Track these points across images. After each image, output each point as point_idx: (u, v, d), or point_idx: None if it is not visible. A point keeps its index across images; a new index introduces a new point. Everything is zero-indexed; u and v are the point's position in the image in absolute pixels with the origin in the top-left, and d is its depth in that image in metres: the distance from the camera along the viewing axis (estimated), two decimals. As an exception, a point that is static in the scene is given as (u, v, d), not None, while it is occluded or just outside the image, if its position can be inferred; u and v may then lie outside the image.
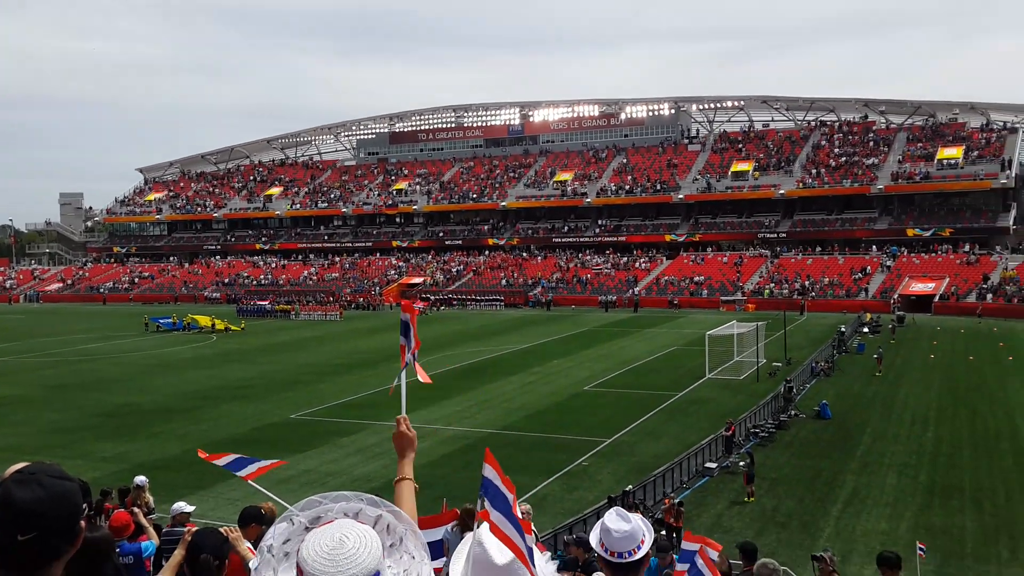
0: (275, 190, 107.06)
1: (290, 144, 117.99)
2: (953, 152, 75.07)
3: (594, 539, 3.45)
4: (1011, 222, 70.26)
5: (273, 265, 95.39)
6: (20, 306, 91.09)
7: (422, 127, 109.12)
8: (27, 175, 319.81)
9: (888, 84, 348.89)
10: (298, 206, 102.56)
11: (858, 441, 25.77)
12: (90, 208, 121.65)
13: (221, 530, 5.10)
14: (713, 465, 23.28)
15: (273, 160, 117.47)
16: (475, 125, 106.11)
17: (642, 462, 23.69)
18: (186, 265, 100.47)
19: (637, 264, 78.74)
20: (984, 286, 60.82)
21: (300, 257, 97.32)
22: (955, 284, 62.39)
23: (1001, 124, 78.73)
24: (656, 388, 34.29)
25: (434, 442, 26.11)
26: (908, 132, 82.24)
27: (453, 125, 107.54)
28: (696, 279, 72.07)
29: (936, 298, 61.19)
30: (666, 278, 73.94)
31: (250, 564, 4.73)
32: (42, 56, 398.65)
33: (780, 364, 37.66)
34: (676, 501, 18.37)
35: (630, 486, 19.97)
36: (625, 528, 3.37)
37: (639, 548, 3.37)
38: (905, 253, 69.72)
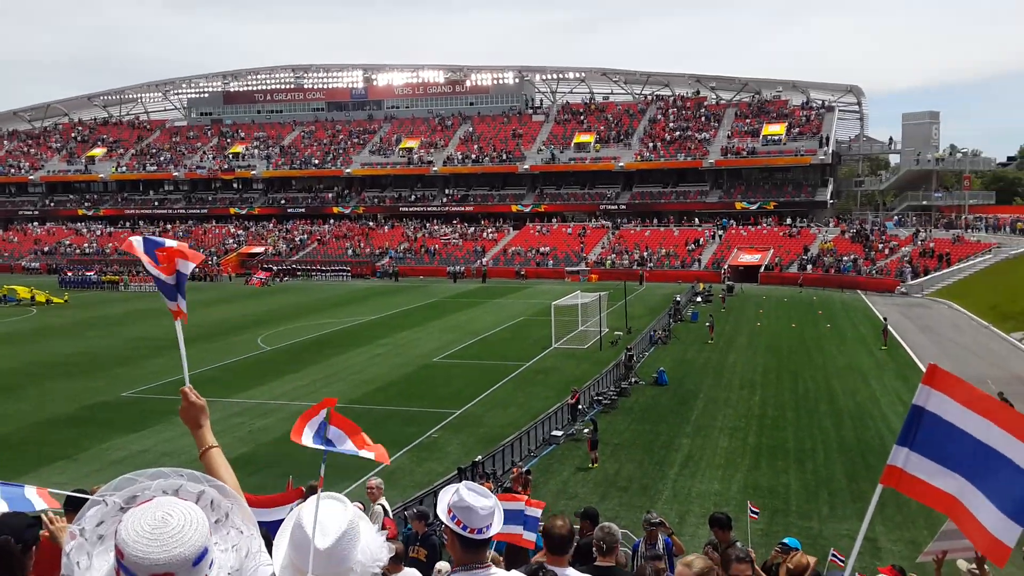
0: (98, 151, 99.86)
1: (114, 102, 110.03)
2: (777, 129, 79.94)
3: (444, 514, 3.42)
4: (828, 196, 75.87)
5: (98, 232, 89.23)
6: None
7: (259, 88, 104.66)
8: None
9: (721, 60, 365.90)
10: (124, 169, 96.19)
11: (692, 406, 27.21)
12: None
13: (42, 517, 4.69)
14: (559, 433, 23.94)
15: (95, 119, 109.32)
16: (316, 87, 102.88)
17: (491, 432, 24.02)
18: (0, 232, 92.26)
19: (484, 234, 79.28)
20: (805, 257, 65.46)
21: (128, 224, 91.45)
22: (779, 255, 66.79)
23: (820, 102, 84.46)
24: (504, 358, 34.80)
25: (279, 418, 25.40)
26: (736, 108, 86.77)
27: (293, 86, 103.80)
28: (542, 250, 73.46)
29: (762, 269, 65.30)
30: (513, 248, 74.91)
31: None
32: None
33: (621, 333, 39.09)
34: (524, 470, 18.75)
35: (479, 456, 20.21)
36: (488, 504, 3.38)
37: (493, 524, 3.41)
38: (734, 225, 73.85)
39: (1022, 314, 40.41)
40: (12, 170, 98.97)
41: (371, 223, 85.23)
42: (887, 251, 63.76)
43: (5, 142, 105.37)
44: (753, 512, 12.45)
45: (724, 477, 20.43)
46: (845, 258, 63.27)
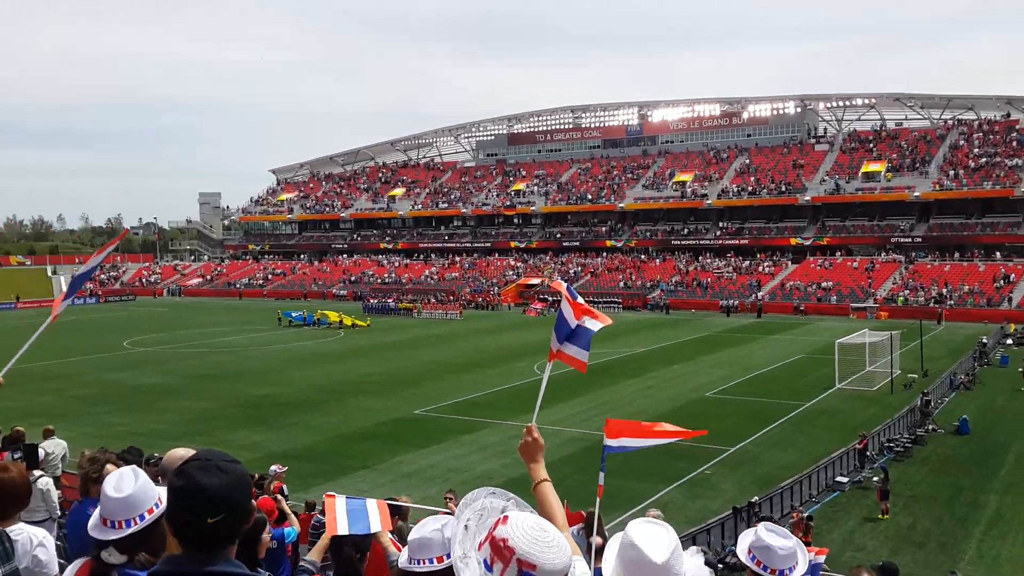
0: (398, 191, 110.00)
1: (412, 146, 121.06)
2: (1111, 151, 69.61)
3: (744, 556, 3.46)
4: None
5: (396, 264, 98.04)
6: (163, 299, 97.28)
7: (540, 128, 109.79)
8: (170, 175, 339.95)
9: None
10: (420, 206, 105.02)
11: (1002, 460, 24.35)
12: (227, 207, 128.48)
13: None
14: (844, 479, 22.51)
15: (396, 162, 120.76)
16: (593, 126, 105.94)
17: (768, 473, 23.13)
18: (315, 263, 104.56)
19: (760, 268, 76.67)
20: None
21: (421, 256, 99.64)
22: (1112, 294, 57.86)
23: None
24: (782, 397, 33.36)
25: (554, 443, 26.26)
26: (1058, 130, 76.85)
27: (571, 126, 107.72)
28: (824, 284, 69.55)
29: (1090, 309, 56.91)
30: (791, 283, 71.67)
31: (391, 556, 5.00)
32: (181, 62, 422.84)
33: (916, 376, 35.94)
34: (805, 515, 17.86)
35: (755, 497, 19.55)
36: (788, 544, 3.38)
37: (797, 565, 3.37)
38: (1055, 260, 65.16)
39: None
40: (327, 208, 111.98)
41: (643, 256, 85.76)
42: None
43: (322, 184, 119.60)
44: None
45: (1042, 542, 18.06)
46: None
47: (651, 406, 32.18)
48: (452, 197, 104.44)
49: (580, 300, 4.85)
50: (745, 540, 3.53)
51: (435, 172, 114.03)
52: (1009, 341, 48.06)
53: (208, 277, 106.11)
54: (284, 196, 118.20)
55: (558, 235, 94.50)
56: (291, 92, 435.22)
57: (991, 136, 79.86)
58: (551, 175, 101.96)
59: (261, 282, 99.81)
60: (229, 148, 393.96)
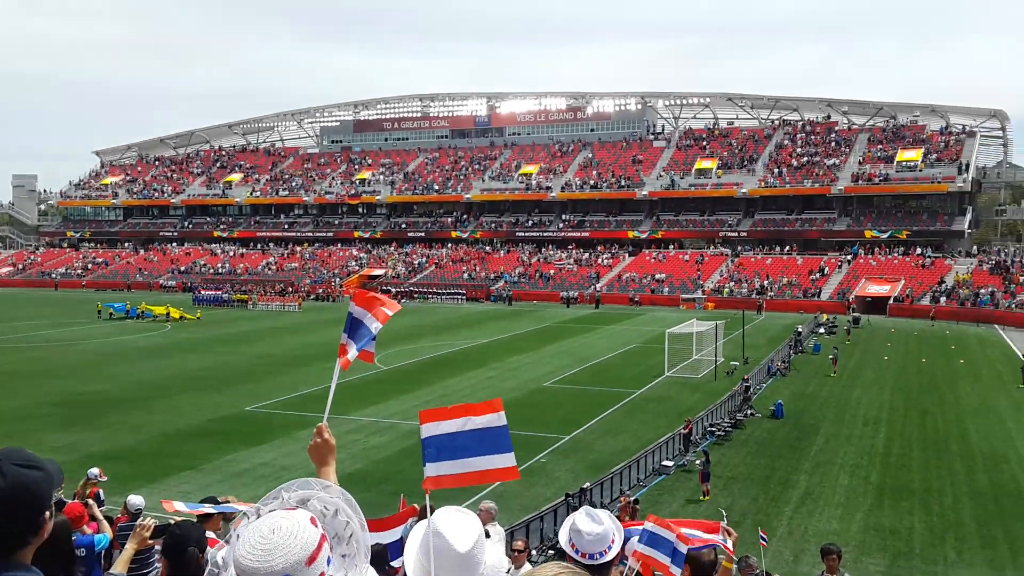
0: (235, 176, 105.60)
1: (252, 130, 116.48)
2: (912, 155, 76.38)
3: (563, 540, 3.45)
4: (966, 225, 71.76)
5: (231, 253, 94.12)
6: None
7: (387, 116, 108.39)
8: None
9: (852, 85, 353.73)
10: (259, 193, 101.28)
11: (812, 441, 26.11)
12: (44, 191, 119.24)
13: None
14: (670, 463, 23.43)
15: (234, 146, 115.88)
16: (441, 115, 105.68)
17: (600, 459, 23.75)
18: (141, 251, 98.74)
19: (600, 260, 79.03)
20: (938, 289, 62.04)
21: (259, 246, 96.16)
22: (910, 287, 63.55)
23: (960, 127, 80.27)
24: (616, 385, 34.44)
25: (392, 437, 25.96)
26: (869, 133, 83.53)
27: (419, 115, 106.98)
28: (658, 276, 72.54)
29: (891, 300, 62.28)
30: (628, 275, 74.32)
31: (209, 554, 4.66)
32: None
33: (738, 363, 38.04)
34: (632, 499, 18.42)
35: (587, 483, 20.00)
36: (597, 530, 3.38)
37: (609, 549, 3.39)
38: (862, 254, 70.83)
39: None
40: (156, 193, 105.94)
41: (488, 248, 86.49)
42: (1032, 284, 59.62)
43: (151, 168, 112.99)
44: (762, 539, 11.72)
45: (844, 516, 19.47)
46: (982, 291, 59.57)
47: (491, 397, 32.28)
48: (294, 184, 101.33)
49: (375, 294, 4.62)
50: (565, 526, 3.53)
51: (276, 158, 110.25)
52: (821, 330, 51.80)
53: (20, 266, 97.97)
54: (109, 180, 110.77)
55: (403, 225, 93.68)
56: (119, 70, 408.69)
57: (812, 136, 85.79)
58: (398, 164, 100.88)
59: (80, 272, 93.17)
60: (48, 128, 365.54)
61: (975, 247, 74.09)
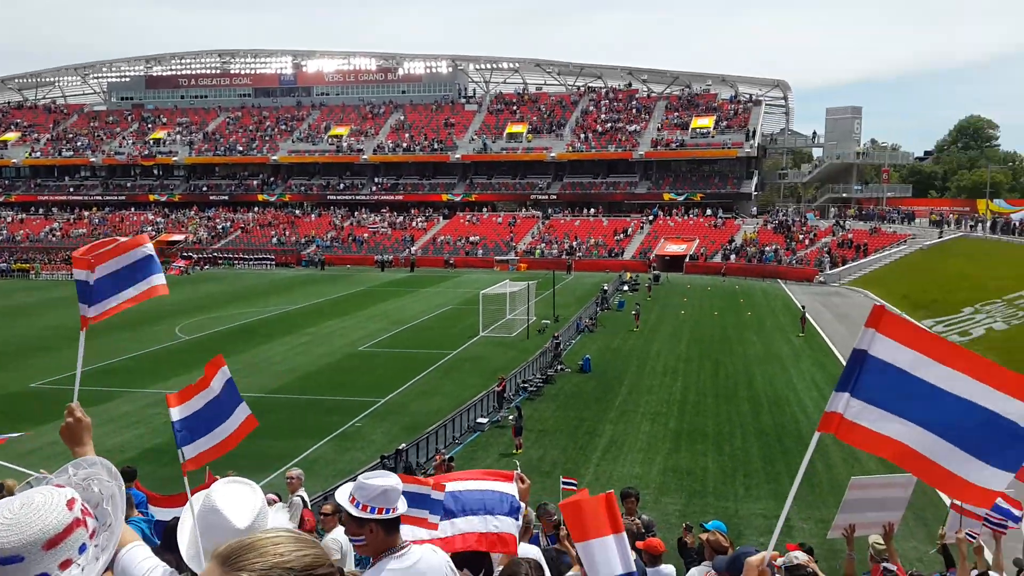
0: (11, 135, 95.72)
1: (29, 85, 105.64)
2: (705, 122, 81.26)
3: (342, 497, 3.36)
4: (753, 188, 77.57)
5: (9, 219, 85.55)
6: None
7: (183, 72, 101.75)
8: None
9: (651, 53, 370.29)
10: (39, 154, 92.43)
11: (616, 392, 27.47)
12: None
13: None
14: (484, 420, 23.89)
15: (9, 102, 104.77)
16: (243, 73, 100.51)
17: (416, 420, 23.82)
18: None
19: (414, 223, 78.70)
20: (728, 247, 66.77)
21: (41, 211, 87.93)
22: (704, 245, 67.98)
23: (748, 96, 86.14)
24: (431, 347, 34.57)
25: (197, 409, 24.70)
26: (667, 101, 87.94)
27: (219, 72, 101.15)
28: (472, 239, 73.27)
29: (687, 258, 66.38)
30: (443, 238, 74.56)
31: None
32: None
33: (548, 321, 39.24)
34: (447, 457, 18.63)
35: (403, 444, 20.02)
36: (382, 483, 3.31)
37: (396, 508, 3.32)
38: (661, 216, 74.88)
39: (933, 303, 41.97)
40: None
41: (297, 211, 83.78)
42: (807, 242, 65.49)
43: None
44: (570, 484, 12.48)
45: (645, 460, 20.67)
46: (767, 248, 64.76)
47: (305, 363, 31.62)
48: (79, 144, 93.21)
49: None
50: (344, 488, 3.45)
51: (58, 115, 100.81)
52: (625, 288, 54.45)
53: None
54: None
55: (204, 188, 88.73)
56: None
57: (615, 103, 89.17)
58: (196, 124, 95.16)
59: None
60: None
61: (761, 208, 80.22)
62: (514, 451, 21.36)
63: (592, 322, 40.34)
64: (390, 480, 3.34)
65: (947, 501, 6.82)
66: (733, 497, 18.21)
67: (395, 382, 28.42)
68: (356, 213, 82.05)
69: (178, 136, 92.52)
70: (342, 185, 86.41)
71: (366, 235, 76.56)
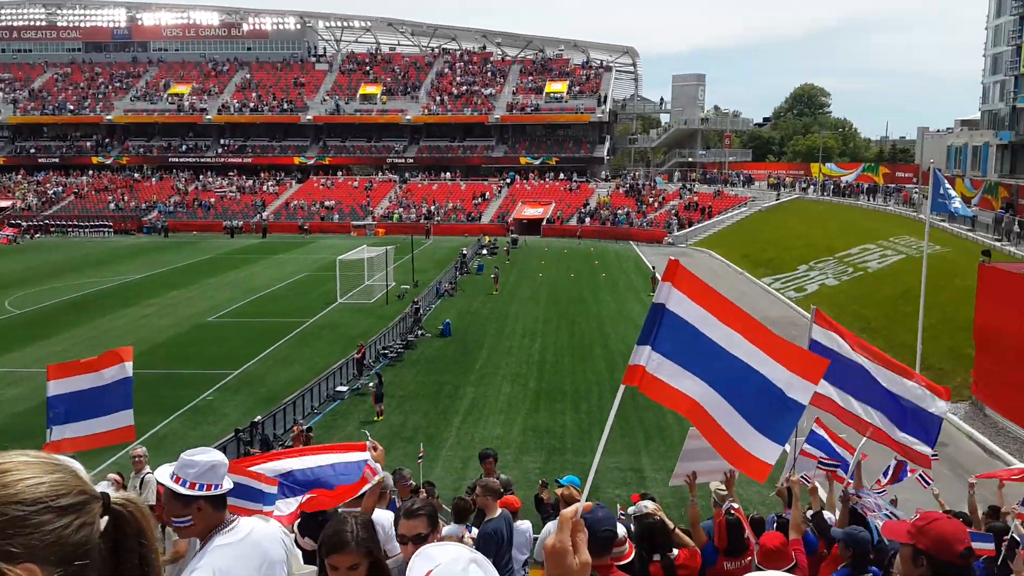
0: None
1: None
2: (559, 87, 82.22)
3: (164, 476, 3.21)
4: (605, 153, 79.43)
5: None
6: None
7: (4, 24, 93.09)
8: None
9: (507, 17, 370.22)
10: None
11: (477, 355, 27.71)
12: None
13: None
14: (344, 388, 23.55)
15: None
16: (72, 25, 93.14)
17: (273, 391, 23.21)
18: None
19: (265, 187, 75.86)
20: (583, 211, 68.26)
21: None
22: (560, 209, 69.19)
23: (599, 62, 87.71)
24: (287, 315, 33.63)
25: (31, 387, 23.07)
26: (521, 65, 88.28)
27: (44, 23, 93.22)
28: (327, 204, 71.44)
29: (545, 222, 67.42)
30: (296, 202, 72.31)
31: None
32: None
33: (408, 287, 38.99)
34: (304, 427, 18.26)
35: (259, 417, 19.46)
36: (206, 459, 3.20)
37: (222, 484, 3.21)
38: (519, 180, 75.55)
39: (771, 261, 44.55)
40: None
41: (136, 175, 78.89)
42: (656, 204, 67.89)
43: None
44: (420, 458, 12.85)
45: (506, 421, 21.01)
46: (619, 211, 66.66)
47: (149, 335, 29.98)
48: None
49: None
50: (164, 469, 3.29)
51: None
52: (484, 251, 54.76)
53: None
54: None
55: (32, 150, 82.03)
56: None
57: (471, 66, 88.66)
58: (20, 80, 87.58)
59: None
60: None
61: (613, 172, 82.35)
62: (375, 418, 21.19)
63: (452, 286, 40.39)
64: (216, 455, 3.25)
65: (787, 448, 7.28)
66: (590, 452, 18.80)
67: (249, 353, 27.52)
68: (201, 176, 78.19)
69: (0, 94, 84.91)
70: (185, 147, 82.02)
71: (213, 200, 73.18)
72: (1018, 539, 4.65)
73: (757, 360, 3.05)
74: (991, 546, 5.01)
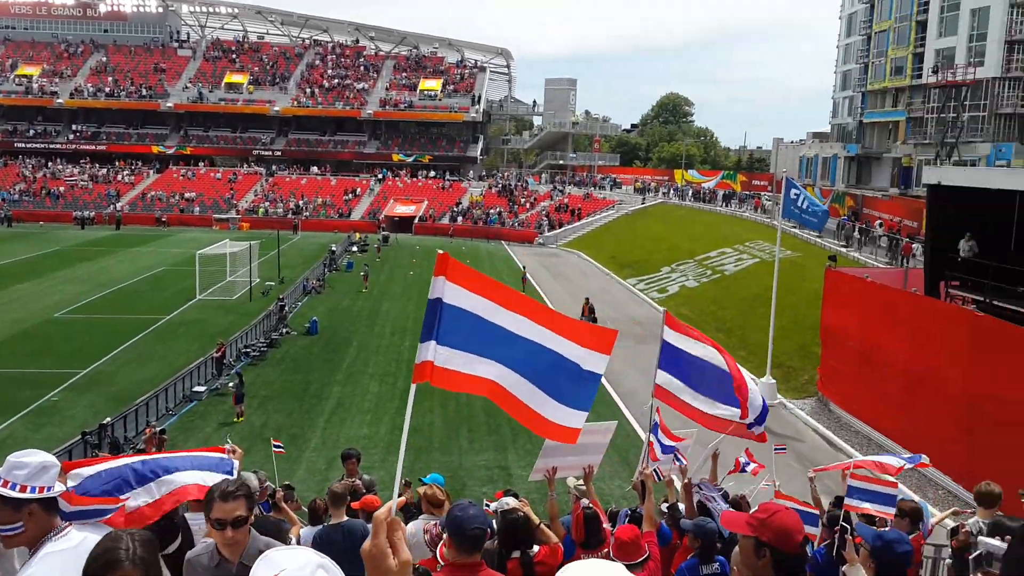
0: None
1: None
2: (433, 84, 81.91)
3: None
4: (479, 152, 79.79)
5: None
6: None
7: None
8: None
9: (379, 8, 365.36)
10: None
11: (345, 354, 27.23)
12: None
13: None
14: (202, 388, 22.64)
15: None
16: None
17: (125, 391, 22.04)
18: None
19: (120, 177, 71.90)
20: (456, 209, 68.29)
21: None
22: (432, 207, 68.95)
23: (473, 62, 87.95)
24: (141, 312, 32.02)
25: None
26: (395, 61, 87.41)
27: None
28: (187, 195, 68.44)
29: (416, 220, 67.02)
30: (154, 193, 68.91)
31: None
32: None
33: (273, 283, 37.89)
34: (158, 429, 17.41)
35: (109, 418, 18.44)
36: (32, 459, 3.06)
37: (51, 489, 3.05)
38: (391, 177, 74.79)
39: (636, 263, 45.96)
40: None
41: (-23, 159, 73.23)
42: (528, 205, 68.76)
43: None
44: (276, 447, 12.59)
45: (373, 421, 20.75)
46: (492, 211, 67.10)
47: (-14, 332, 27.90)
48: None
49: None
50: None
51: None
52: (354, 248, 53.89)
53: None
54: None
55: None
56: None
57: (343, 59, 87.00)
58: None
59: None
60: None
61: (486, 172, 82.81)
62: (235, 419, 20.47)
63: (320, 283, 39.54)
64: (45, 456, 3.10)
65: (643, 442, 7.53)
66: (458, 451, 18.84)
67: (100, 350, 26.04)
68: (50, 164, 73.34)
69: None
70: (32, 132, 76.73)
71: (63, 188, 68.77)
72: (847, 527, 4.95)
73: (548, 339, 3.28)
74: (817, 530, 5.36)
